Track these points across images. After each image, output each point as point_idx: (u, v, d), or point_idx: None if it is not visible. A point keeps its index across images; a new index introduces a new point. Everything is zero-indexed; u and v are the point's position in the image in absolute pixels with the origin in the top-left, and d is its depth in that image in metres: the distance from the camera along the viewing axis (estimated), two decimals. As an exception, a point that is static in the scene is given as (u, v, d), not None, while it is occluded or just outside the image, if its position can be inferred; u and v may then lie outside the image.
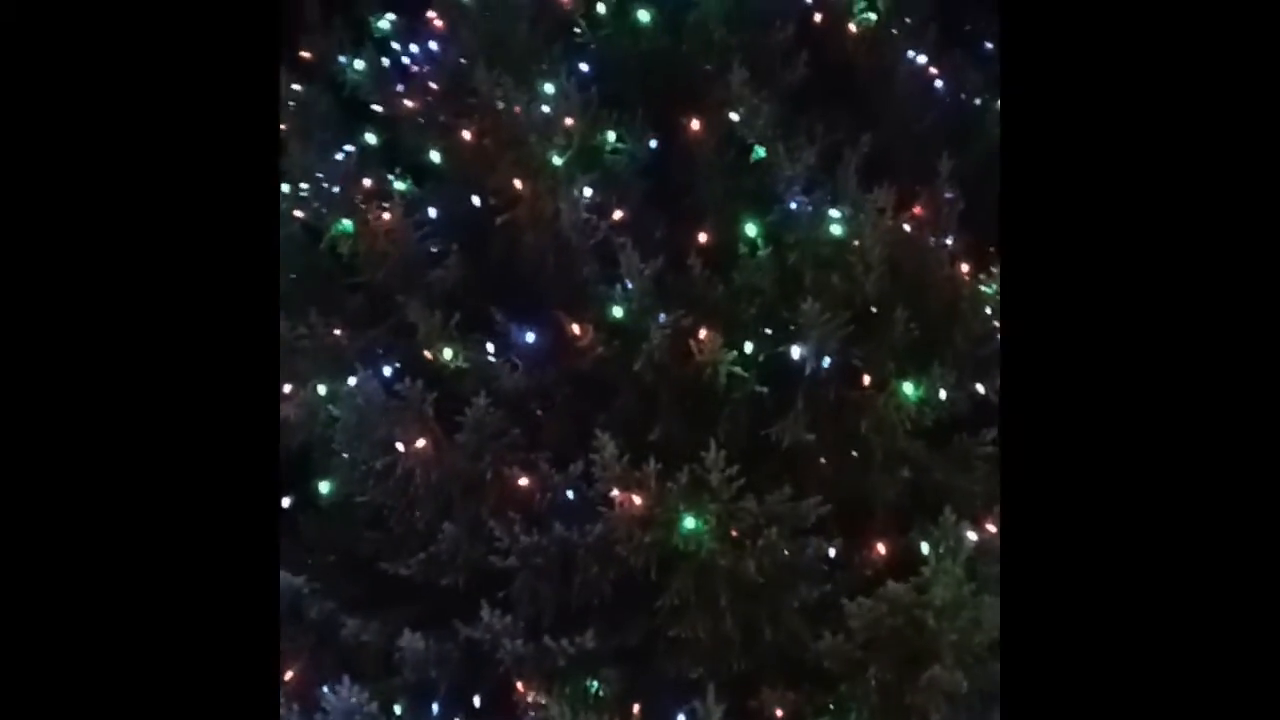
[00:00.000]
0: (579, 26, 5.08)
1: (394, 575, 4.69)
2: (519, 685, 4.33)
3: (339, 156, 5.01)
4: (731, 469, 4.14)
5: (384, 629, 4.58)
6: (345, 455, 4.72)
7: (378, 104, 5.23)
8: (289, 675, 4.61)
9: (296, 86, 5.26)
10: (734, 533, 4.20)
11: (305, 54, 5.31)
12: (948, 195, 4.75)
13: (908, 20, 5.44)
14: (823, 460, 4.49)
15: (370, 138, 5.20)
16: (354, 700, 4.17)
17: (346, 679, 4.20)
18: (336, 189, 4.84)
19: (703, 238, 4.65)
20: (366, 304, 4.89)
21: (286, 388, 4.80)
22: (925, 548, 4.24)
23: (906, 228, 4.61)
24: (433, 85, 5.17)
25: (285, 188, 4.92)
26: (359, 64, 5.24)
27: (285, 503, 4.81)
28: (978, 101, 5.48)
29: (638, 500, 4.19)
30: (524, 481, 4.46)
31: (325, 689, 4.22)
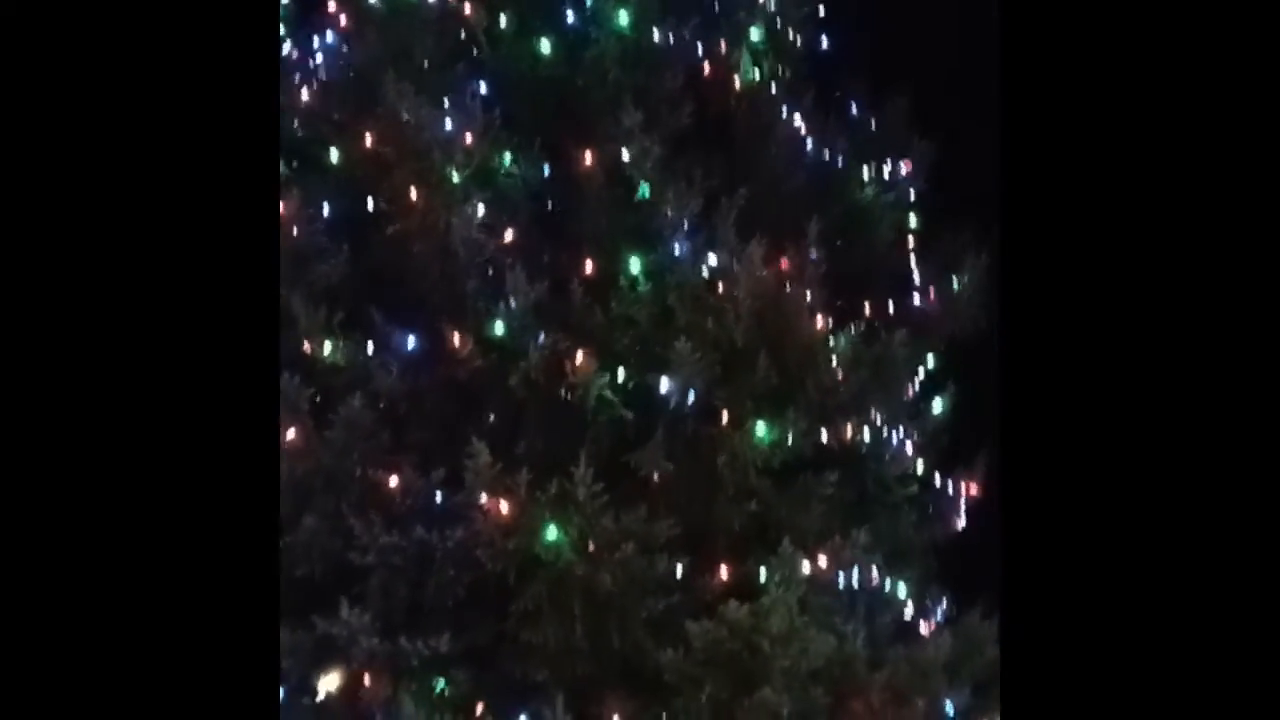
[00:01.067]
0: (479, 43, 5.36)
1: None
2: (367, 680, 4.56)
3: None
4: (597, 486, 4.49)
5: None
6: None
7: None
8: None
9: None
10: (591, 546, 4.54)
11: None
12: (812, 253, 5.23)
13: (786, 80, 5.92)
14: (677, 487, 4.87)
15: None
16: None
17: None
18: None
19: (587, 266, 4.98)
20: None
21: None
22: (764, 576, 4.68)
23: (773, 280, 5.06)
24: (322, 81, 5.37)
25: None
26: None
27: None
28: (840, 163, 6.00)
29: (505, 508, 4.49)
30: (392, 482, 4.70)
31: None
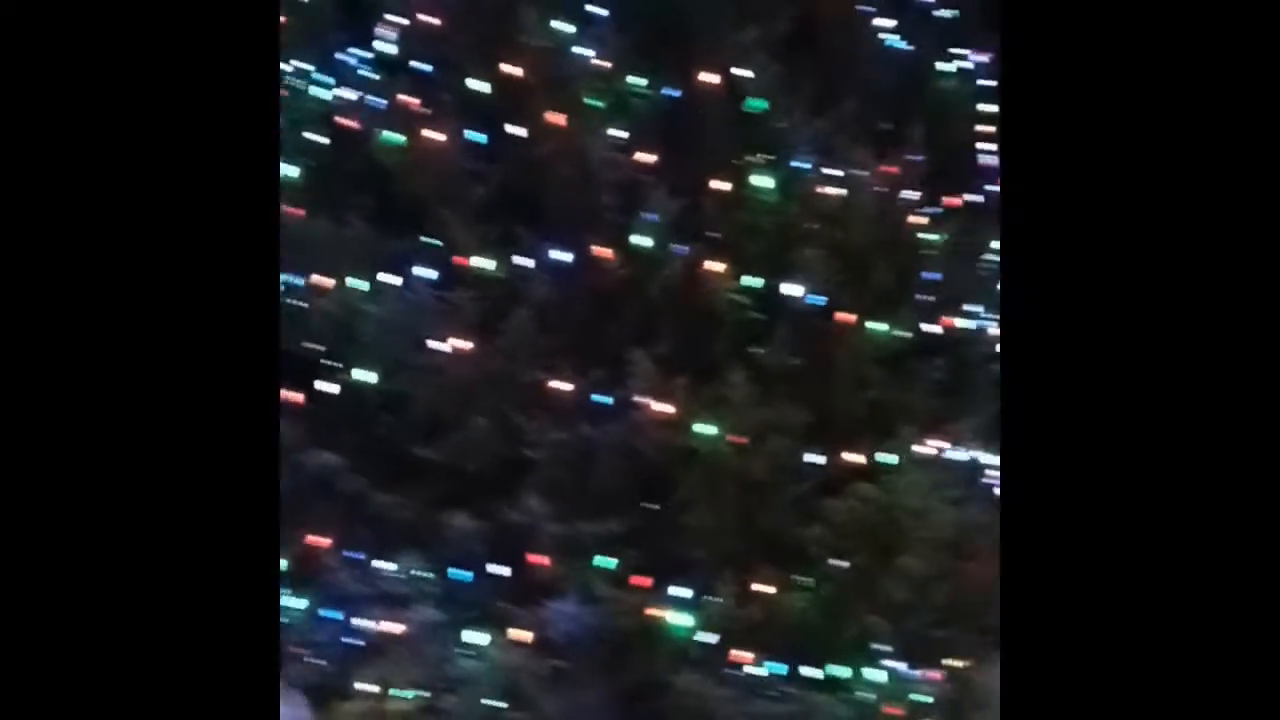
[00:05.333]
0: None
1: (416, 457, 5.68)
2: (538, 560, 5.44)
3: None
4: (750, 386, 5.30)
5: (412, 505, 5.59)
6: (378, 348, 5.64)
7: (395, 15, 5.99)
8: (327, 543, 5.59)
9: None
10: (739, 438, 5.38)
11: None
12: (914, 158, 5.98)
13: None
14: (802, 379, 5.69)
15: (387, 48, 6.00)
16: (405, 572, 5.21)
17: (407, 552, 5.21)
18: (383, 101, 5.66)
19: (716, 180, 5.70)
20: (403, 211, 5.74)
21: (327, 281, 5.69)
22: (886, 456, 5.57)
23: (883, 184, 5.81)
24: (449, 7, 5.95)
25: (326, 94, 5.74)
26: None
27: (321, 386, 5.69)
28: (923, 59, 6.66)
29: (665, 407, 5.32)
30: (554, 384, 5.50)
31: (377, 561, 5.23)
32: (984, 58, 6.65)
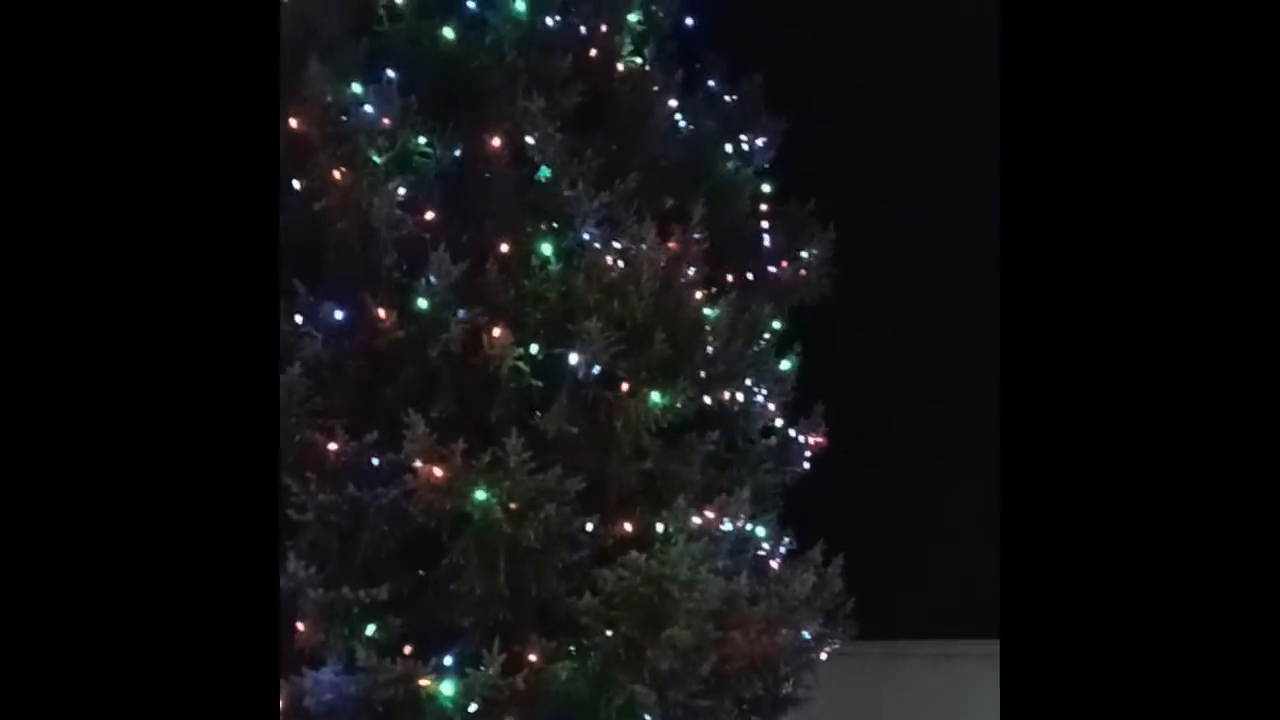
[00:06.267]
0: (380, 18, 5.91)
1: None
2: (300, 625, 5.28)
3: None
4: (526, 454, 5.29)
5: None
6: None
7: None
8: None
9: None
10: (514, 505, 5.36)
11: None
12: (696, 235, 6.12)
13: (659, 60, 6.72)
14: (578, 447, 5.72)
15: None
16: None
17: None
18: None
19: (501, 245, 5.71)
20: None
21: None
22: (660, 527, 5.63)
23: (667, 260, 5.92)
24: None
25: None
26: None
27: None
28: (707, 139, 6.86)
29: (439, 471, 5.26)
30: (329, 445, 5.37)
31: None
32: (762, 141, 6.91)
